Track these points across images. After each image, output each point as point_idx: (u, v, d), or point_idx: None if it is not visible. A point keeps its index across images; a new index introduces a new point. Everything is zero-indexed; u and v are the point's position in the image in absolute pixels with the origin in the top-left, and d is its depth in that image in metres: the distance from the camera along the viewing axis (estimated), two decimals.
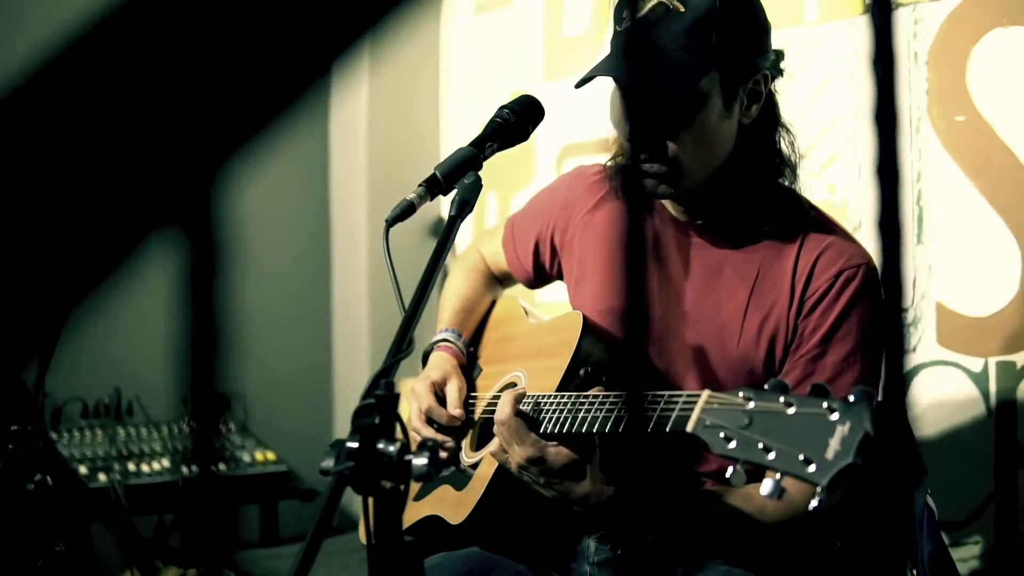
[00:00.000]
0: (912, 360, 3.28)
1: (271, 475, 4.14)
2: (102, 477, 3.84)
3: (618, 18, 2.44)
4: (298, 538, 4.26)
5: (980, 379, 3.13)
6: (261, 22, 1.07)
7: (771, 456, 1.85)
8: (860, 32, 3.42)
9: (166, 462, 4.00)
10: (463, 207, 2.10)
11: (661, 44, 2.33)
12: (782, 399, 1.88)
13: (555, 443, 2.28)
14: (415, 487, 2.70)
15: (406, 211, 2.10)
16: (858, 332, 2.38)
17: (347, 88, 5.08)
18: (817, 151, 3.50)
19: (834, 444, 1.79)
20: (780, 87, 3.46)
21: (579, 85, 2.42)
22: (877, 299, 2.43)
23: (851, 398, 1.82)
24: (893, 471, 2.55)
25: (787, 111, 3.50)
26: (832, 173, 3.46)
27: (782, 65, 2.52)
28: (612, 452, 2.33)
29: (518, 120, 2.27)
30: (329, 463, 1.78)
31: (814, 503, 1.79)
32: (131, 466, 3.93)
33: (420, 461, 1.78)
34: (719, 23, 2.33)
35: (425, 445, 1.80)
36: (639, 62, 2.32)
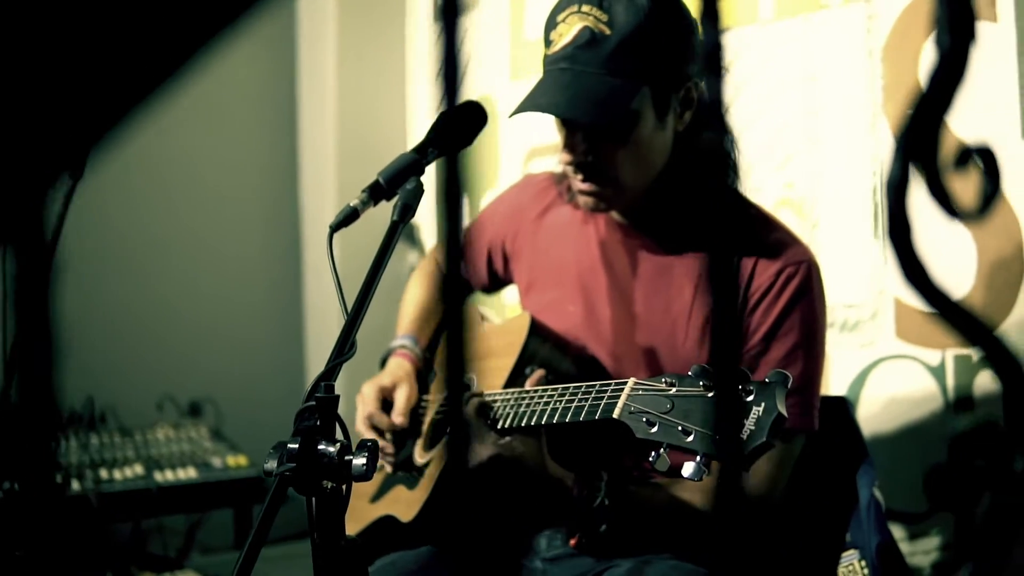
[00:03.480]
0: (871, 354, 3.30)
1: (244, 480, 4.14)
2: (75, 485, 3.85)
3: (546, 39, 2.44)
4: (273, 542, 4.28)
5: (938, 372, 3.15)
6: None
7: (690, 439, 1.91)
8: (816, 29, 3.44)
9: (139, 468, 4.01)
10: (405, 212, 2.10)
11: (590, 71, 2.33)
12: (702, 383, 1.94)
13: (507, 439, 2.32)
14: (372, 489, 2.74)
15: (349, 217, 2.10)
16: (800, 328, 2.41)
17: (316, 90, 5.10)
18: (776, 149, 3.53)
19: (749, 425, 1.85)
20: (738, 86, 3.49)
21: (511, 116, 2.43)
22: (819, 295, 2.46)
23: (767, 380, 1.87)
24: (836, 463, 2.59)
25: (746, 108, 3.54)
26: (790, 170, 3.49)
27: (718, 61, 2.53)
28: (561, 443, 2.37)
29: (460, 125, 2.27)
30: (272, 465, 1.82)
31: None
32: (104, 473, 3.95)
33: (359, 461, 1.82)
34: (646, 40, 2.33)
35: (364, 445, 1.83)
36: (569, 93, 2.35)
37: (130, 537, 4.14)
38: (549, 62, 2.41)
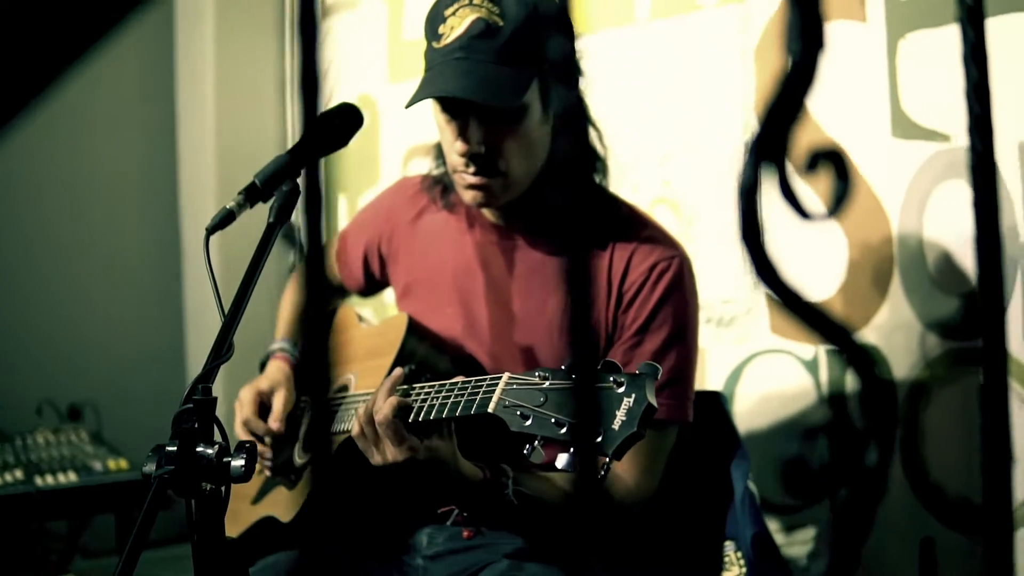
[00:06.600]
0: (746, 349, 3.36)
1: (125, 483, 4.11)
2: None
3: (433, 34, 2.44)
4: (155, 544, 4.26)
5: (811, 366, 3.21)
6: None
7: (563, 431, 1.94)
8: (692, 30, 3.49)
9: (19, 473, 3.96)
10: (281, 214, 2.10)
11: (484, 60, 2.36)
12: (574, 376, 1.97)
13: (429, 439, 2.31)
14: (253, 490, 2.74)
15: (225, 219, 2.09)
16: (673, 321, 2.46)
17: (195, 92, 5.07)
18: (654, 148, 3.57)
19: (620, 415, 1.89)
20: (616, 86, 3.52)
21: (408, 106, 2.43)
22: (691, 289, 2.52)
23: (638, 371, 1.91)
24: (711, 456, 2.64)
25: (623, 108, 3.58)
26: (668, 169, 3.53)
27: (581, 62, 2.57)
28: (469, 439, 2.38)
29: (336, 127, 2.26)
30: (151, 467, 1.82)
31: (601, 472, 1.88)
32: None
33: (237, 462, 1.83)
34: (536, 32, 2.37)
35: (243, 447, 1.84)
36: (471, 79, 2.36)
37: (11, 542, 4.10)
38: (442, 54, 2.41)
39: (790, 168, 0.88)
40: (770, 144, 0.86)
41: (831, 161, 0.90)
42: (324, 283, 0.80)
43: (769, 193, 0.88)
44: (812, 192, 0.93)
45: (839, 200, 0.91)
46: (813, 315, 0.91)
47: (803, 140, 2.57)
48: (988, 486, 1.02)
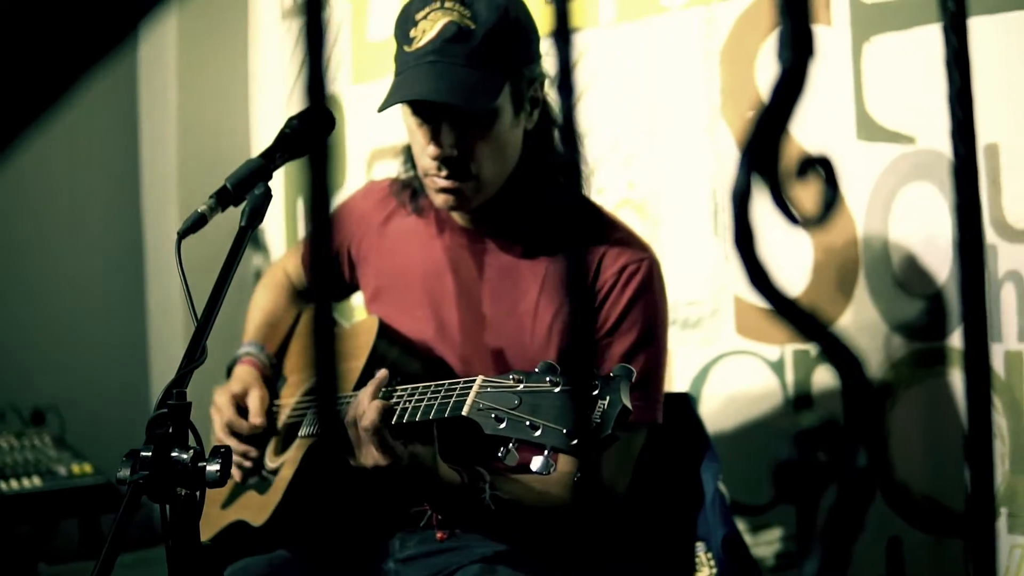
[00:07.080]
0: (712, 350, 3.37)
1: (90, 488, 4.09)
2: None
3: (404, 37, 2.45)
4: (121, 549, 4.23)
5: (777, 367, 3.23)
6: None
7: (538, 433, 1.95)
8: (657, 32, 3.50)
9: None
10: (253, 217, 2.09)
11: (457, 64, 2.36)
12: (549, 379, 1.98)
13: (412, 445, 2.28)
14: (222, 495, 2.73)
15: (197, 223, 2.07)
16: (642, 322, 2.47)
17: (157, 95, 5.04)
18: (618, 150, 3.57)
19: (594, 418, 1.89)
20: (582, 89, 3.53)
21: (382, 109, 2.43)
22: (661, 291, 2.53)
23: (612, 374, 1.92)
24: (681, 458, 2.64)
25: (589, 111, 3.58)
26: (633, 171, 3.54)
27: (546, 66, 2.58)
28: (447, 444, 2.37)
29: (306, 130, 2.25)
30: (125, 473, 1.81)
31: (577, 475, 1.89)
32: None
33: (213, 467, 1.83)
34: (507, 35, 2.38)
35: (217, 451, 1.84)
36: (445, 82, 2.37)
37: None
38: (414, 57, 2.41)
39: (781, 175, 0.89)
40: (762, 151, 0.87)
41: (821, 168, 0.91)
42: (332, 285, 0.80)
43: (759, 200, 0.89)
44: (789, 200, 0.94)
45: (828, 206, 0.92)
46: (803, 319, 0.92)
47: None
48: (974, 487, 1.03)
